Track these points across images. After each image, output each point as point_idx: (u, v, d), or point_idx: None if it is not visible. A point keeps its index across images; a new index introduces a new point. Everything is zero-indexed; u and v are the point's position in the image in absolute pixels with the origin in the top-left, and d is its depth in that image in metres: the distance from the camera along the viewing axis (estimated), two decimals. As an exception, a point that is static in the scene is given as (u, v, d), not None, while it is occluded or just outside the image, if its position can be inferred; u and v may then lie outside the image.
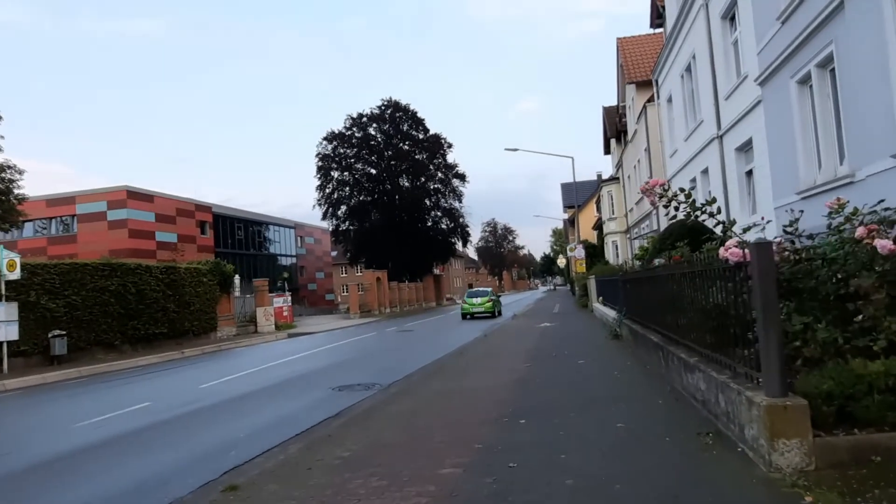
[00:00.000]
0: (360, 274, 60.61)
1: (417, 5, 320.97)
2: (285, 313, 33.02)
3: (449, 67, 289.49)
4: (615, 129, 36.28)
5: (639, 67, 27.11)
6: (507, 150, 32.66)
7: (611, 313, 16.18)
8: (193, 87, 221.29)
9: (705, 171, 16.28)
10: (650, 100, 23.73)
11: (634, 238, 27.09)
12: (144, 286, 19.91)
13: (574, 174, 32.58)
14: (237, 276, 35.24)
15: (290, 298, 33.83)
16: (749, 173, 13.43)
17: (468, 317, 30.13)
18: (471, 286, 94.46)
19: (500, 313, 31.18)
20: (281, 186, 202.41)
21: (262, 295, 28.36)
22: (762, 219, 6.92)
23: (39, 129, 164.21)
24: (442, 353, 13.57)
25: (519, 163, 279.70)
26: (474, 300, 31.29)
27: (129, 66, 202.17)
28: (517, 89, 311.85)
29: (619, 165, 36.91)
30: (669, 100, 20.30)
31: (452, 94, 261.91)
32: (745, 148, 13.27)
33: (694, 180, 17.51)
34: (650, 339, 8.61)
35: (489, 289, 37.42)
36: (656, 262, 8.82)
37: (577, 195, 41.45)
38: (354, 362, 13.35)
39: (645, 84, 25.89)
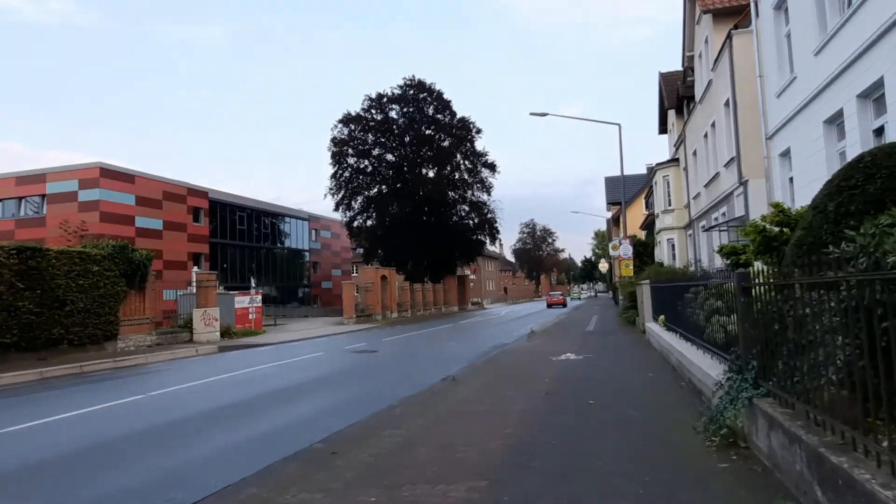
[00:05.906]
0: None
1: (459, 10, 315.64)
2: (251, 316, 26.49)
3: (490, 70, 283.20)
4: (675, 96, 28.62)
5: (717, -7, 19.53)
6: (532, 114, 25.40)
7: (684, 348, 8.79)
8: (226, 90, 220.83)
9: (869, 94, 8.79)
10: (737, 26, 16.26)
11: (706, 229, 19.43)
12: (-27, 275, 13.54)
13: (621, 146, 25.26)
14: (196, 268, 29.06)
15: (259, 298, 27.27)
16: None
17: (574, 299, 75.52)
18: (505, 290, 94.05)
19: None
20: (315, 185, 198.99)
21: (206, 292, 21.61)
22: None
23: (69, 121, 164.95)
24: (336, 429, 6.52)
25: (564, 165, 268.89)
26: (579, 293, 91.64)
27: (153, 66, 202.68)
28: (561, 94, 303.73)
29: (679, 143, 29.11)
30: (779, 4, 12.79)
31: (494, 98, 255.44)
32: None
33: (837, 117, 10.01)
34: None
35: (584, 288, 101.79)
36: None
37: (625, 189, 33.88)
38: (158, 438, 6.24)
39: (727, 13, 18.39)
